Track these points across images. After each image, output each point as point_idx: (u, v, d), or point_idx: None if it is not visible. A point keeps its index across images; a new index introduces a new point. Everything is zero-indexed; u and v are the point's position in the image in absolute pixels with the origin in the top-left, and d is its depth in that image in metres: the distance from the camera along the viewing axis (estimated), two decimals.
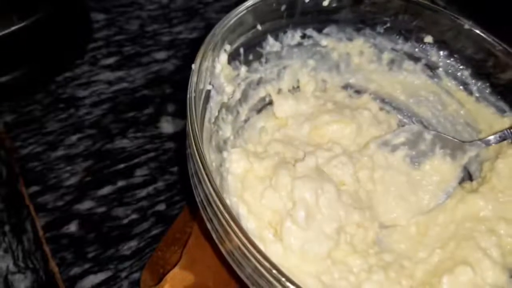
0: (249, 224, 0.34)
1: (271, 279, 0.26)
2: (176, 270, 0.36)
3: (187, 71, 0.57)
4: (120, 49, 0.57)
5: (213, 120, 0.36)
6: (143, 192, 0.46)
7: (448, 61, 0.44)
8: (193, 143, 0.29)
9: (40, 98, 0.51)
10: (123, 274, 0.40)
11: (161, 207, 0.45)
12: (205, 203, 0.30)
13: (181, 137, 0.50)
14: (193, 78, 0.32)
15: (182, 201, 0.46)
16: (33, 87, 0.51)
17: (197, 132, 0.30)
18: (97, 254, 0.41)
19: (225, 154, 0.37)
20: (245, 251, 0.27)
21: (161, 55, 0.58)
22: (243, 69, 0.39)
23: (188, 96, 0.31)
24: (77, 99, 0.51)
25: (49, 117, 0.49)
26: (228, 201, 0.35)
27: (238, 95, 0.40)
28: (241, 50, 0.38)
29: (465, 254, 0.36)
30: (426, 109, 0.46)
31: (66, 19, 0.53)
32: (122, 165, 0.47)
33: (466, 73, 0.43)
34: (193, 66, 0.33)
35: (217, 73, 0.36)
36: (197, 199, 0.32)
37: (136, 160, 0.48)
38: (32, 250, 0.41)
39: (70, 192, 0.44)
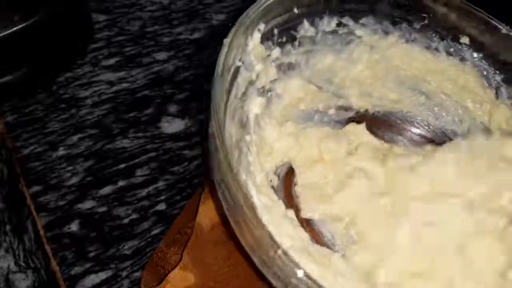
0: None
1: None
2: (176, 270, 0.36)
3: (187, 71, 0.58)
4: (121, 50, 0.57)
5: (239, 96, 0.36)
6: (143, 192, 0.46)
7: (481, 63, 0.43)
8: (215, 120, 0.29)
9: (41, 98, 0.51)
10: (124, 274, 0.40)
11: (162, 206, 0.45)
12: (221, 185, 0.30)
13: (181, 137, 0.51)
14: (222, 53, 0.32)
15: (182, 200, 0.46)
16: (34, 88, 0.51)
17: (219, 108, 0.30)
18: (98, 253, 0.41)
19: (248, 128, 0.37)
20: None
21: (162, 55, 0.58)
22: (276, 50, 0.39)
23: (215, 70, 0.31)
24: (78, 99, 0.52)
25: (50, 117, 0.49)
26: (243, 176, 0.35)
27: (271, 75, 0.40)
28: (275, 31, 0.38)
29: None
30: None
31: (68, 19, 0.53)
32: (122, 165, 0.47)
33: (498, 78, 0.43)
34: (224, 40, 0.33)
35: (248, 51, 0.36)
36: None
37: (136, 160, 0.48)
38: (33, 250, 0.41)
39: (71, 192, 0.44)
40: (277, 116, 0.42)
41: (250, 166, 0.37)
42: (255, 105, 0.39)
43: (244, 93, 0.37)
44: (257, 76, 0.38)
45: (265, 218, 0.34)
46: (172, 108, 0.53)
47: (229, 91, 0.34)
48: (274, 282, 0.29)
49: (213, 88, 0.31)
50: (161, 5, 0.64)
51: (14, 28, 0.46)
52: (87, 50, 0.56)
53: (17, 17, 0.46)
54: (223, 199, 0.31)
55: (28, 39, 0.48)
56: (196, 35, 0.61)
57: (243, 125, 0.37)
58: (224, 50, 0.32)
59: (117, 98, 0.53)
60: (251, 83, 0.38)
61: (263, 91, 0.40)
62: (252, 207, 0.28)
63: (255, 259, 0.30)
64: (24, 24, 0.46)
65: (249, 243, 0.30)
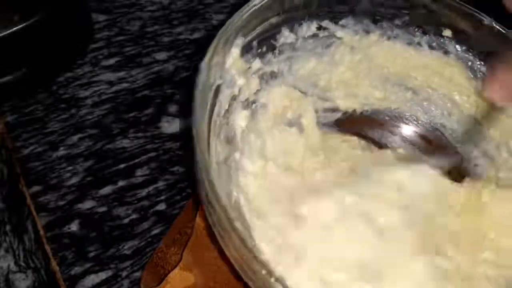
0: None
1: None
2: (176, 270, 0.36)
3: (187, 71, 0.58)
4: (121, 50, 0.57)
5: (222, 113, 0.36)
6: (143, 192, 0.46)
7: (466, 55, 0.43)
8: (197, 142, 0.29)
9: (41, 98, 0.51)
10: (124, 274, 0.40)
11: (162, 206, 0.45)
12: (206, 204, 0.29)
13: (181, 137, 0.51)
14: (201, 76, 0.32)
15: (182, 200, 0.46)
16: (34, 88, 0.51)
17: (202, 131, 0.30)
18: (98, 253, 0.41)
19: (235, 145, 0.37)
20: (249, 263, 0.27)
21: (162, 55, 0.58)
22: (256, 61, 0.39)
23: (194, 92, 0.31)
24: (78, 99, 0.52)
25: (50, 117, 0.49)
26: (234, 193, 0.35)
27: (253, 86, 0.39)
28: (254, 43, 0.38)
29: None
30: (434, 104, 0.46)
31: (68, 19, 0.53)
32: (122, 165, 0.47)
33: (484, 69, 0.43)
34: (202, 64, 0.32)
35: (227, 68, 0.35)
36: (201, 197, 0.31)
37: (136, 160, 0.48)
38: (33, 250, 0.41)
39: (71, 192, 0.44)
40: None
41: (240, 182, 0.36)
42: (240, 119, 0.38)
43: (227, 110, 0.36)
44: (240, 90, 0.37)
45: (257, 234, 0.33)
46: (172, 108, 0.53)
47: (211, 111, 0.33)
48: None
49: (194, 111, 0.30)
50: (161, 5, 0.64)
51: (14, 28, 0.46)
52: (87, 50, 0.56)
53: (17, 17, 0.46)
54: (212, 225, 0.30)
55: (28, 39, 0.48)
56: (196, 35, 0.61)
57: (230, 141, 0.37)
58: (204, 73, 0.32)
59: (117, 98, 0.53)
60: (233, 98, 0.37)
61: (247, 104, 0.39)
62: (240, 236, 0.27)
63: (243, 277, 0.30)
64: (24, 24, 0.46)
65: (236, 262, 0.29)
